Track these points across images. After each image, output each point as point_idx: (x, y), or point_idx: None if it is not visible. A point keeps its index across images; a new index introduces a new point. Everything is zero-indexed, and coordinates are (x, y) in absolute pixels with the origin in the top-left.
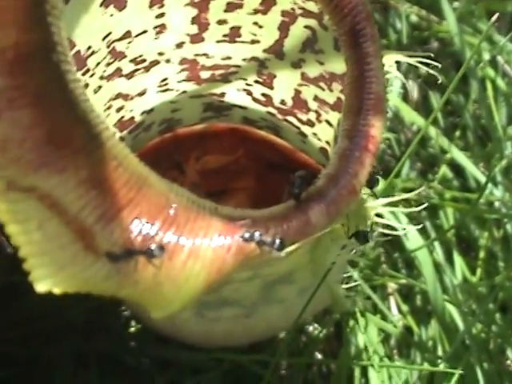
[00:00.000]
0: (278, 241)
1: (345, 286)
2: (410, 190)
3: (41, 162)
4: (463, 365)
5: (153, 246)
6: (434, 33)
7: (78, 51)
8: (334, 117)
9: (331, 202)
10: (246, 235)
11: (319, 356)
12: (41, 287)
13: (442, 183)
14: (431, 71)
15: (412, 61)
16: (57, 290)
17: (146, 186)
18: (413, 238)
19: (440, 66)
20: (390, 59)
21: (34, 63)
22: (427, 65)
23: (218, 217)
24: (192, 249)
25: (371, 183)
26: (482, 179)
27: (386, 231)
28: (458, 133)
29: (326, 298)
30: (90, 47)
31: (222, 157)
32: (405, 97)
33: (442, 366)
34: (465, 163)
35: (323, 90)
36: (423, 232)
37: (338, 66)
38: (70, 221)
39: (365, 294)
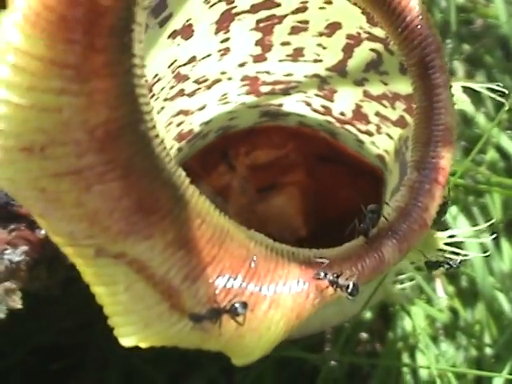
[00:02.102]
0: (351, 285)
1: (400, 286)
2: (454, 174)
3: (129, 230)
4: None
5: (237, 304)
6: (480, 14)
7: (146, 80)
8: (396, 132)
9: (403, 238)
10: (323, 277)
11: (365, 335)
12: (126, 342)
13: (489, 166)
14: (498, 98)
15: (479, 88)
16: (142, 345)
17: (228, 239)
18: (461, 225)
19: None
20: (457, 86)
21: (122, 138)
22: (493, 91)
23: (295, 262)
24: (273, 298)
25: (441, 214)
26: None
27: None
28: (504, 115)
29: (379, 294)
30: (156, 75)
31: (272, 151)
32: (451, 75)
33: (491, 352)
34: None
35: (386, 107)
36: (470, 216)
37: (403, 87)
38: (156, 283)
39: (411, 276)
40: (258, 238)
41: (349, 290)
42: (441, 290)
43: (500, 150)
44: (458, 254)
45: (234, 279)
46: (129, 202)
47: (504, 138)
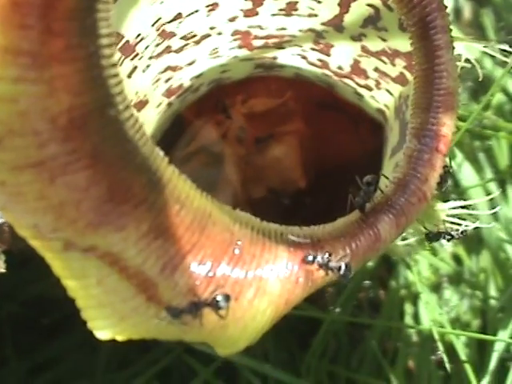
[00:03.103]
0: (343, 267)
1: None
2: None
3: (99, 222)
4: None
5: (218, 297)
6: None
7: (127, 41)
8: (396, 88)
9: (400, 213)
10: (312, 261)
11: (367, 282)
12: (101, 335)
13: (496, 110)
14: (503, 58)
15: (483, 47)
16: (119, 338)
17: (210, 223)
18: (466, 171)
19: None
20: (459, 46)
21: (89, 125)
22: (502, 50)
23: (283, 244)
24: (259, 285)
25: (442, 184)
26: None
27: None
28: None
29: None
30: (139, 35)
31: (269, 100)
32: (457, 15)
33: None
34: None
35: (385, 63)
36: (476, 162)
37: (403, 44)
38: (131, 275)
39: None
40: (244, 220)
41: (341, 272)
42: None
43: (507, 93)
44: (459, 224)
45: (217, 267)
46: (98, 192)
47: (510, 81)
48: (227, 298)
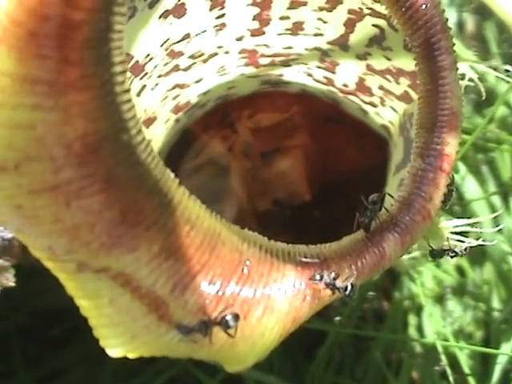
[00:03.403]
0: (349, 287)
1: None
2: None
3: (113, 244)
4: None
5: (228, 316)
6: None
7: (137, 61)
8: (400, 106)
9: (406, 231)
10: (319, 280)
11: (372, 293)
12: (113, 353)
13: (499, 124)
14: (499, 75)
15: (485, 67)
16: (131, 356)
17: (220, 243)
18: (470, 184)
19: None
20: (463, 66)
21: (103, 150)
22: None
23: (291, 263)
24: (267, 304)
25: (445, 202)
26: None
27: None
28: None
29: None
30: (148, 55)
31: (276, 114)
32: (460, 28)
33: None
34: None
35: (389, 81)
36: (479, 175)
37: (407, 63)
38: (142, 295)
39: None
40: (252, 239)
41: (346, 292)
42: None
43: (510, 106)
44: (463, 241)
45: (226, 286)
46: (111, 215)
47: None
48: (236, 317)
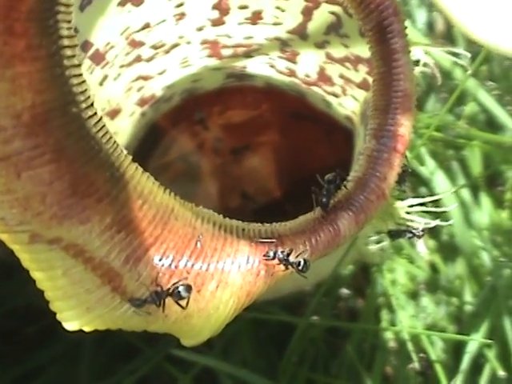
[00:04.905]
0: (302, 262)
1: (374, 247)
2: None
3: (64, 215)
4: (492, 311)
5: (180, 287)
6: None
7: (97, 49)
8: (360, 94)
9: (360, 210)
10: (273, 256)
11: (346, 291)
12: (69, 327)
13: (469, 120)
14: (459, 61)
15: (441, 52)
16: (86, 329)
17: (173, 218)
18: (440, 180)
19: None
20: (417, 51)
21: (51, 122)
22: (455, 55)
23: (245, 239)
24: (221, 277)
25: (400, 182)
26: (509, 123)
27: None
28: (483, 67)
29: (353, 255)
30: (108, 43)
31: (246, 111)
32: (430, 27)
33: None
34: (490, 104)
35: (349, 69)
36: (449, 170)
37: (364, 50)
38: (95, 266)
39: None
40: (206, 215)
41: (299, 268)
42: (421, 245)
43: (480, 103)
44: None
45: (180, 260)
46: (61, 186)
47: (481, 91)
48: (188, 288)
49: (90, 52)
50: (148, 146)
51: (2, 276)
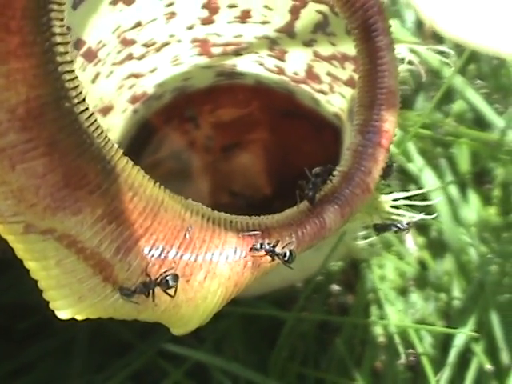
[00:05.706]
0: (288, 253)
1: (362, 242)
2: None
3: (57, 206)
4: (479, 306)
5: (168, 277)
6: None
7: (89, 47)
8: (348, 91)
9: (345, 203)
10: (260, 248)
11: (337, 287)
12: (62, 315)
13: (457, 118)
14: (444, 59)
15: (425, 50)
16: (78, 318)
17: (162, 210)
18: (428, 177)
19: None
20: (402, 49)
21: (45, 116)
22: (441, 53)
23: (233, 231)
24: (209, 268)
25: (385, 176)
26: (497, 120)
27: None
28: (472, 66)
29: (341, 251)
30: (100, 41)
31: (236, 110)
32: (419, 27)
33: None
34: (479, 103)
35: (336, 67)
36: (437, 167)
37: (350, 48)
38: (87, 256)
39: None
40: (195, 208)
41: (285, 258)
42: (410, 241)
43: (468, 101)
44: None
45: (169, 250)
46: (54, 179)
47: (470, 90)
48: (176, 277)
49: (83, 50)
50: (140, 143)
51: None
